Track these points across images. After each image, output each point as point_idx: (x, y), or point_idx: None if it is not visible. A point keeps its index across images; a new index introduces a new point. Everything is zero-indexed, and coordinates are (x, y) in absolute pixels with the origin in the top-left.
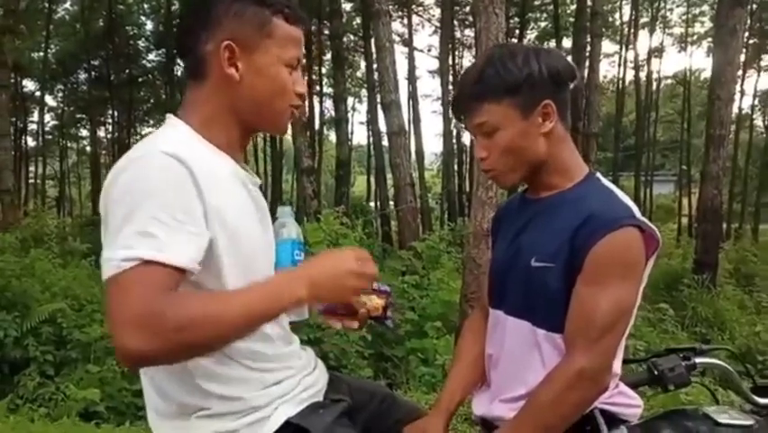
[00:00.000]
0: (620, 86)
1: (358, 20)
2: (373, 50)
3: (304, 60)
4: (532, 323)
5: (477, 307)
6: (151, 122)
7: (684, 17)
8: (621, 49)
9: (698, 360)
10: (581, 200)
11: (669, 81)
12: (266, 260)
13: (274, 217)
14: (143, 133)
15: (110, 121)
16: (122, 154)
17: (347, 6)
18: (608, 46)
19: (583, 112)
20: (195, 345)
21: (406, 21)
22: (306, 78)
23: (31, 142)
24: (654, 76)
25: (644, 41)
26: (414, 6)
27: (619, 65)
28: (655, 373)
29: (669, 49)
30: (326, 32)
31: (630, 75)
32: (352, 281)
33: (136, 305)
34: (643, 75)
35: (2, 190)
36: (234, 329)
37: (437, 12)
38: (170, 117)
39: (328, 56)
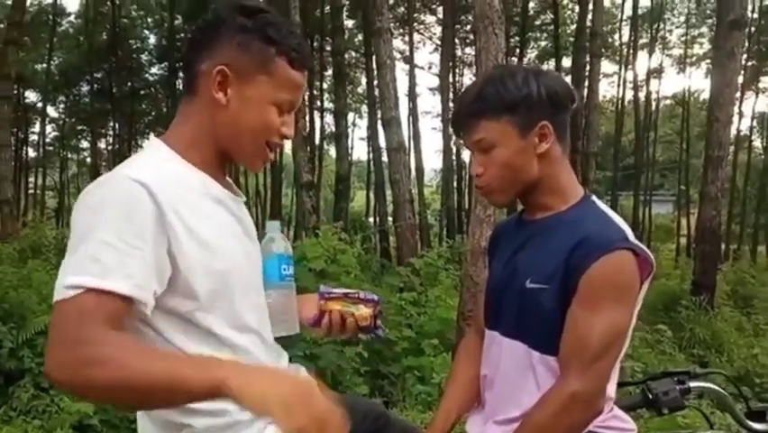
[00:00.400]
0: (620, 106)
1: (360, 37)
2: (374, 66)
3: (299, 105)
4: (527, 345)
5: (472, 326)
6: (152, 134)
7: (683, 38)
8: (620, 69)
9: (692, 384)
10: (577, 223)
11: (668, 102)
12: (249, 275)
13: (263, 232)
14: (144, 145)
15: (111, 133)
16: None
17: (349, 23)
18: (607, 66)
19: (582, 131)
20: (97, 386)
21: (407, 38)
22: (307, 93)
23: (31, 153)
24: (654, 96)
25: (643, 61)
26: (415, 24)
27: (618, 85)
28: (650, 396)
29: (668, 69)
30: (328, 48)
31: (629, 95)
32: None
33: (64, 332)
34: (642, 95)
35: (1, 201)
36: (143, 384)
37: (438, 30)
38: (152, 139)
39: (329, 72)
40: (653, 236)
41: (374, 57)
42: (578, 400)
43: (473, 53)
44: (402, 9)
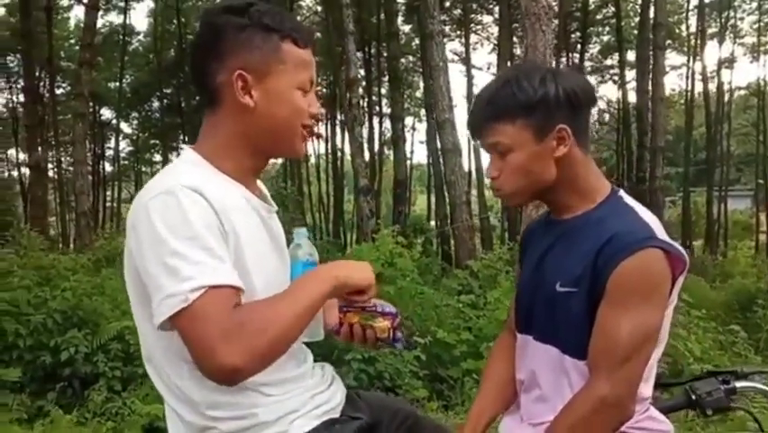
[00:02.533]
0: (689, 98)
1: (417, 41)
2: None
3: (316, 81)
4: (560, 349)
5: (505, 328)
6: (185, 145)
7: (756, 26)
8: (689, 60)
9: (738, 384)
10: (603, 222)
11: (742, 92)
12: (277, 281)
13: (291, 238)
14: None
15: (182, 146)
16: None
17: (405, 28)
18: (676, 58)
19: (649, 126)
20: (277, 343)
21: (464, 40)
22: (365, 99)
23: (108, 168)
24: (726, 87)
25: (713, 51)
26: (472, 26)
27: (687, 77)
28: (693, 397)
29: (741, 59)
30: (385, 54)
31: (699, 87)
32: (368, 268)
33: (218, 326)
34: (713, 86)
35: (78, 213)
36: (298, 321)
37: (495, 30)
38: (185, 149)
39: (387, 77)
40: (730, 233)
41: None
42: (608, 403)
43: None
44: (458, 11)
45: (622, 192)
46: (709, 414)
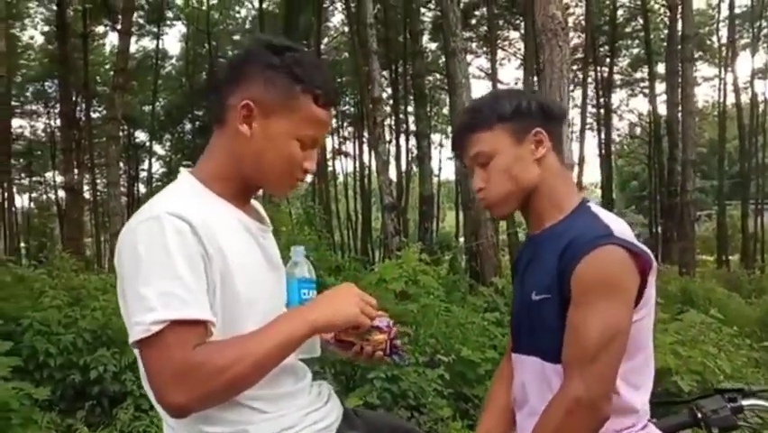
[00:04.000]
0: (722, 110)
1: (443, 58)
2: None
3: (324, 140)
4: (542, 358)
5: (506, 351)
6: (182, 168)
7: None
8: (720, 72)
9: (745, 402)
10: (566, 229)
11: None
12: (271, 303)
13: (289, 256)
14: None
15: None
16: None
17: (432, 46)
18: (708, 70)
19: (680, 139)
20: (233, 386)
21: (490, 56)
22: (392, 118)
23: (142, 189)
24: (760, 98)
25: (746, 62)
26: (498, 42)
27: (719, 89)
28: (698, 415)
29: None
30: (411, 71)
31: (732, 98)
32: (354, 302)
33: (175, 363)
34: (746, 98)
35: (112, 234)
36: (265, 364)
37: (522, 46)
38: (182, 172)
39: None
40: (767, 247)
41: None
42: (581, 404)
43: None
44: (484, 28)
45: (591, 203)
46: None
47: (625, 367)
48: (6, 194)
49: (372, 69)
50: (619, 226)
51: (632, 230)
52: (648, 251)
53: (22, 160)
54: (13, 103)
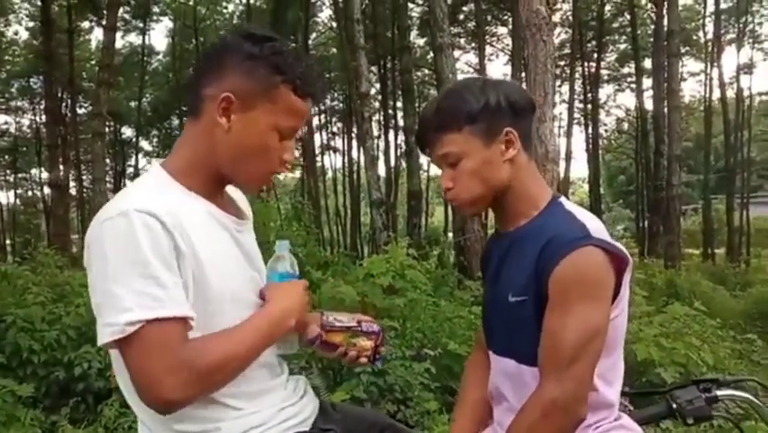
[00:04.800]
0: (707, 105)
1: (432, 54)
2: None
3: (303, 131)
4: (516, 360)
5: (475, 346)
6: (154, 160)
7: None
8: (706, 67)
9: (719, 392)
10: (542, 228)
11: (763, 98)
12: (248, 295)
13: (273, 251)
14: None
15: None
16: None
17: (420, 42)
18: (694, 65)
19: (665, 134)
20: (225, 381)
21: (479, 52)
22: (381, 113)
23: (129, 185)
24: (746, 93)
25: (732, 57)
26: (487, 37)
27: (705, 84)
28: (673, 405)
29: (760, 64)
30: (399, 67)
31: (718, 93)
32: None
33: (165, 360)
34: (732, 92)
35: None
36: (250, 358)
37: (510, 41)
38: (153, 165)
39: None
40: (753, 240)
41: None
42: (558, 406)
43: None
44: (472, 24)
45: (563, 199)
46: (690, 423)
47: (601, 365)
48: None
49: (360, 65)
50: (595, 225)
51: (619, 224)
52: (624, 249)
53: (7, 156)
54: None
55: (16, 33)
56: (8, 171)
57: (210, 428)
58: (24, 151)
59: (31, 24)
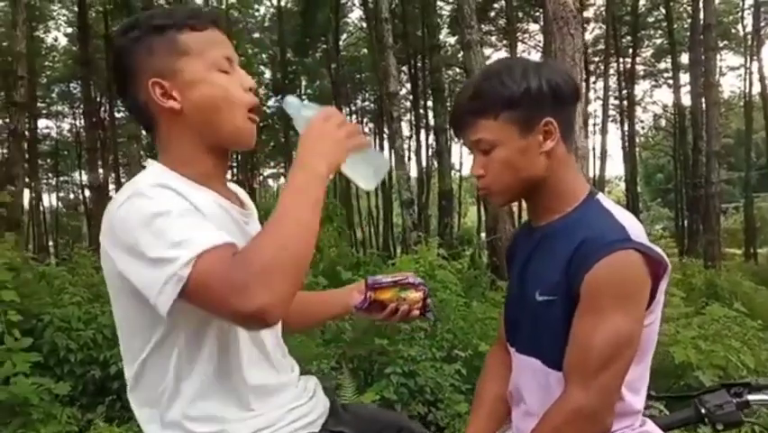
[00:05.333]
0: (747, 100)
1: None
2: None
3: (237, 56)
4: (542, 361)
5: (495, 343)
6: (272, 163)
7: None
8: (746, 61)
9: (751, 397)
10: (577, 225)
11: None
12: None
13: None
14: (265, 174)
15: (235, 164)
16: (247, 193)
17: (451, 40)
18: (734, 59)
19: (704, 130)
20: (294, 264)
21: (510, 49)
22: (412, 113)
23: None
24: None
25: None
26: (518, 34)
27: (745, 78)
28: (702, 410)
29: None
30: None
31: (758, 88)
32: (342, 132)
33: (229, 275)
34: None
35: None
36: (306, 231)
37: (542, 38)
38: (149, 162)
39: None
40: None
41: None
42: (582, 415)
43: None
44: (503, 21)
45: (600, 195)
46: (720, 429)
47: (630, 374)
48: (34, 194)
49: (388, 65)
50: (635, 226)
51: (658, 223)
52: (663, 254)
53: (49, 160)
54: (39, 104)
55: (56, 40)
56: (50, 175)
57: (217, 429)
58: (65, 154)
59: (69, 30)
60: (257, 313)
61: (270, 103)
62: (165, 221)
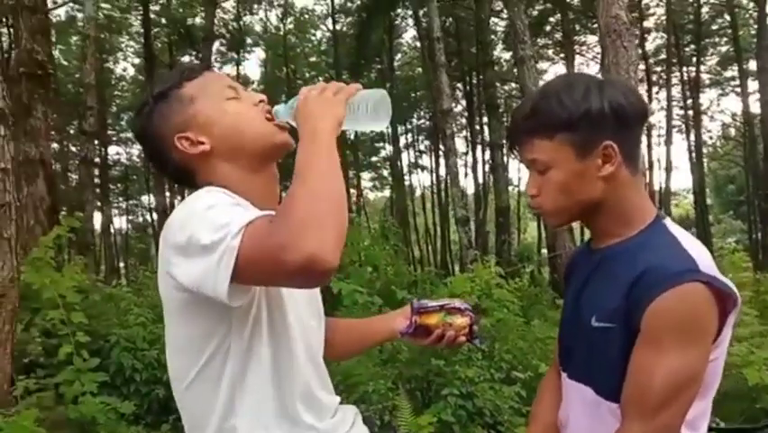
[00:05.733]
0: None
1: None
2: None
3: (239, 85)
4: (594, 390)
5: (552, 365)
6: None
7: None
8: None
9: None
10: (640, 251)
11: None
12: (305, 312)
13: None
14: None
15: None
16: None
17: (506, 55)
18: None
19: None
20: (326, 213)
21: (567, 62)
22: (468, 129)
23: None
24: None
25: None
26: (576, 47)
27: None
28: None
29: None
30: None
31: None
32: (327, 93)
33: (269, 238)
34: None
35: None
36: (328, 179)
37: (600, 50)
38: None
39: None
40: None
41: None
42: None
43: (642, 69)
44: (559, 34)
45: (668, 220)
46: None
47: (692, 411)
48: (105, 217)
49: (441, 82)
50: (703, 256)
51: (730, 237)
52: (733, 287)
53: (119, 184)
54: (109, 132)
55: (125, 70)
56: (120, 199)
57: None
58: (134, 179)
59: (136, 61)
60: (308, 263)
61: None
62: (214, 211)
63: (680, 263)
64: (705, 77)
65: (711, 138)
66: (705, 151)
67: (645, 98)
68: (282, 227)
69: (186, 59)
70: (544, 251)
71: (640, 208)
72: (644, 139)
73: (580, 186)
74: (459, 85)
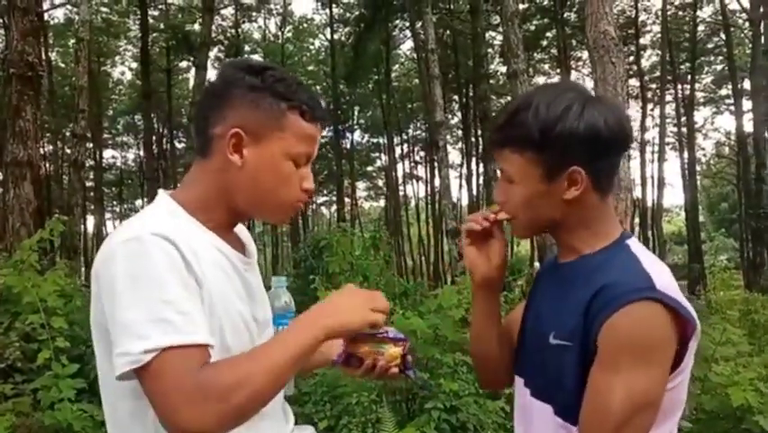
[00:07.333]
0: None
1: None
2: None
3: (312, 157)
4: (554, 410)
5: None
6: (325, 191)
7: None
8: None
9: None
10: (598, 269)
11: None
12: (249, 335)
13: (269, 286)
14: (319, 201)
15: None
16: (302, 224)
17: (502, 69)
18: None
19: (766, 158)
20: (245, 405)
21: (562, 77)
22: (463, 142)
23: None
24: None
25: None
26: (572, 62)
27: None
28: None
29: None
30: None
31: None
32: (363, 311)
33: (181, 389)
34: None
35: None
36: (279, 375)
37: None
38: (160, 194)
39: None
40: None
41: None
42: None
43: (637, 85)
44: (554, 50)
45: (632, 240)
46: None
47: None
48: (97, 220)
49: (434, 95)
50: (663, 277)
51: (722, 254)
52: (693, 312)
53: (114, 188)
54: (105, 135)
55: (122, 74)
56: (115, 202)
57: None
58: (129, 183)
59: (134, 65)
60: (203, 428)
61: (324, 133)
62: (154, 288)
63: (635, 281)
64: (699, 95)
65: (705, 156)
66: (698, 168)
67: (639, 115)
68: (197, 393)
69: (183, 64)
70: (537, 264)
71: (604, 228)
72: (637, 155)
73: (541, 204)
74: (455, 97)
